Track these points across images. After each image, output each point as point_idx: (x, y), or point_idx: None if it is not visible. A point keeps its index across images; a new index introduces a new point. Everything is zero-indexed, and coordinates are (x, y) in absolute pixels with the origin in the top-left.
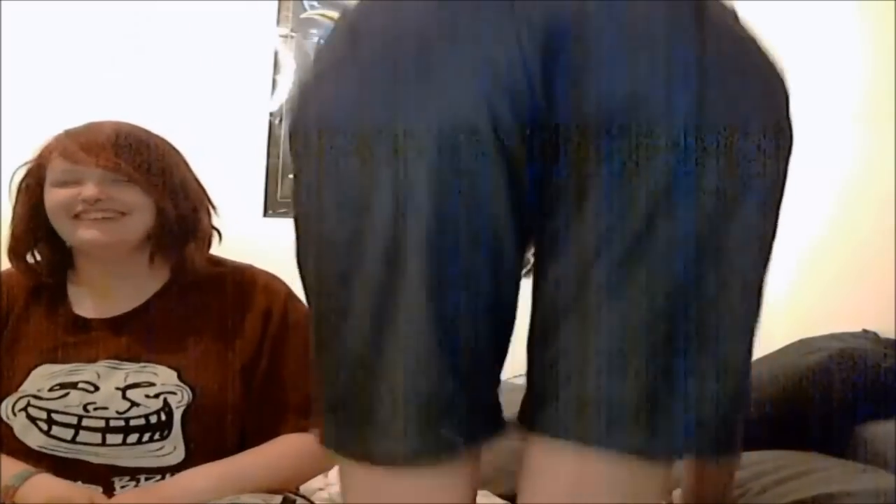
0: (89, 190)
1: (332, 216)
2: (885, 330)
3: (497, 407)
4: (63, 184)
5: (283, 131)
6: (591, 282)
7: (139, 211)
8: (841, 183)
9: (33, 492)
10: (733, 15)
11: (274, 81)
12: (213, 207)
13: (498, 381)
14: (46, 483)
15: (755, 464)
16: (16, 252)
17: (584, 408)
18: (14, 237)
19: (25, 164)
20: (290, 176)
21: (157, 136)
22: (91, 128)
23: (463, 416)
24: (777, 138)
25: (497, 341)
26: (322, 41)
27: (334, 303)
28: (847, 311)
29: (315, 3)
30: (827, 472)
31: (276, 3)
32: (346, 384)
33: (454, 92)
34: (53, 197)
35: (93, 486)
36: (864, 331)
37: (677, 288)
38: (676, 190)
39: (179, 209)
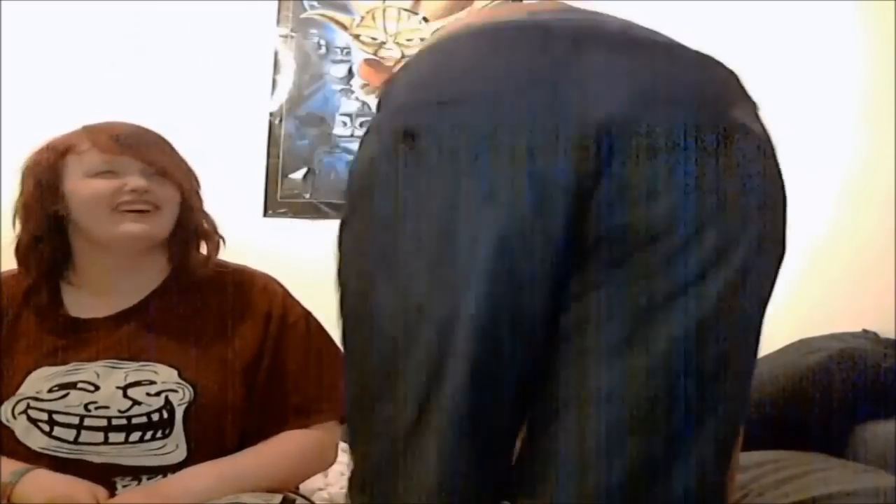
0: (137, 181)
1: (388, 309)
2: (885, 330)
3: (508, 483)
4: (101, 175)
5: (283, 131)
6: (592, 363)
7: (170, 205)
8: (841, 183)
9: (33, 488)
10: (754, 110)
11: (274, 81)
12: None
13: (510, 462)
14: (47, 479)
15: (755, 464)
16: (27, 248)
17: (580, 494)
18: (27, 232)
19: (38, 158)
20: (291, 176)
21: (164, 138)
22: (113, 125)
23: (485, 486)
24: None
25: (517, 429)
26: (321, 40)
27: (378, 384)
28: (847, 311)
29: (315, 3)
30: (827, 472)
31: (276, 3)
32: (382, 467)
33: (507, 201)
34: (91, 187)
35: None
36: (864, 331)
37: (678, 361)
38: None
39: (199, 206)
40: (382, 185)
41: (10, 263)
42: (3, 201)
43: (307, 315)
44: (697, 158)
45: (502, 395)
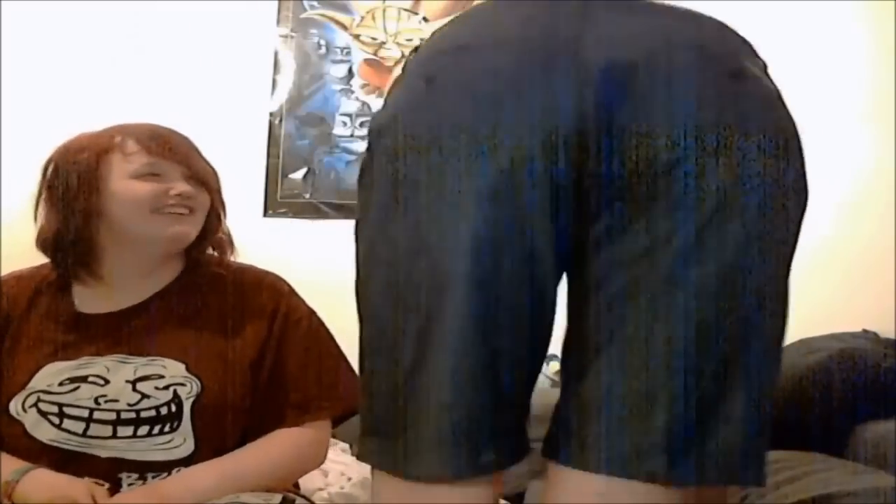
0: (182, 186)
1: (392, 244)
2: (885, 330)
3: (524, 433)
4: (144, 177)
5: (283, 131)
6: (630, 313)
7: (202, 209)
8: (843, 184)
9: (33, 487)
10: (763, 67)
11: (274, 81)
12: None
13: (528, 409)
14: (47, 478)
15: None
16: (56, 241)
17: (616, 439)
18: (59, 226)
19: (77, 155)
20: (291, 176)
21: (191, 140)
22: (150, 127)
23: (494, 440)
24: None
25: (531, 372)
26: (321, 40)
27: (384, 326)
28: (847, 311)
29: (315, 3)
30: (827, 473)
31: (276, 3)
32: (389, 405)
33: (517, 133)
34: (136, 189)
35: (99, 482)
36: (864, 331)
37: (713, 312)
38: (712, 225)
39: (224, 210)
40: (400, 120)
41: (10, 265)
42: (3, 205)
43: (311, 314)
44: (708, 97)
45: (504, 321)
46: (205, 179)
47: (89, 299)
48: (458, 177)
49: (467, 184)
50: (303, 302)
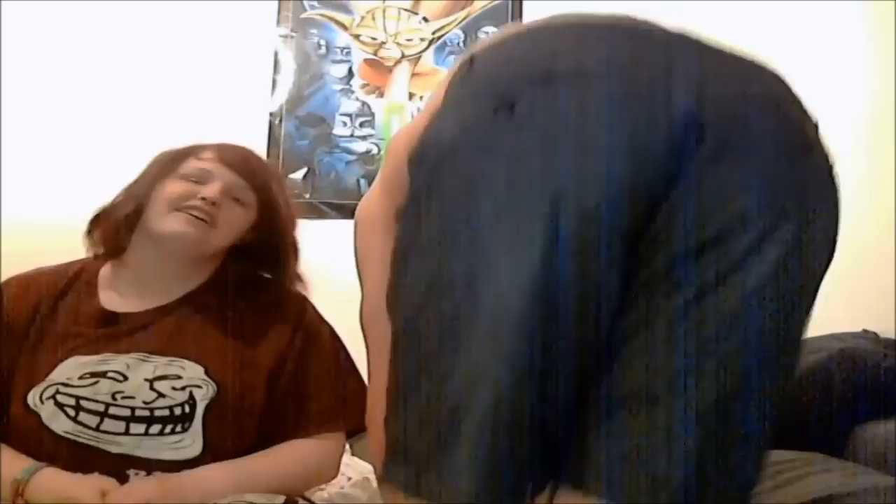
0: (211, 191)
1: (446, 270)
2: (885, 330)
3: (555, 465)
4: (190, 178)
5: (283, 131)
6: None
7: (227, 228)
8: (843, 184)
9: (43, 485)
10: (816, 126)
11: (274, 81)
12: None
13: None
14: (56, 477)
15: None
16: (109, 211)
17: (631, 470)
18: (118, 201)
19: (172, 155)
20: (290, 176)
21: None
22: (240, 149)
23: (532, 471)
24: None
25: (571, 407)
26: (321, 40)
27: (427, 352)
28: (847, 311)
29: (315, 3)
30: (827, 473)
31: (276, 3)
32: (424, 437)
33: (598, 174)
34: (170, 187)
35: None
36: (864, 331)
37: (740, 364)
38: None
39: (272, 238)
40: (474, 148)
41: (10, 271)
42: (3, 211)
43: (330, 328)
44: (776, 163)
45: (558, 362)
46: (244, 204)
47: (116, 298)
48: (528, 217)
49: (537, 224)
50: (322, 317)
